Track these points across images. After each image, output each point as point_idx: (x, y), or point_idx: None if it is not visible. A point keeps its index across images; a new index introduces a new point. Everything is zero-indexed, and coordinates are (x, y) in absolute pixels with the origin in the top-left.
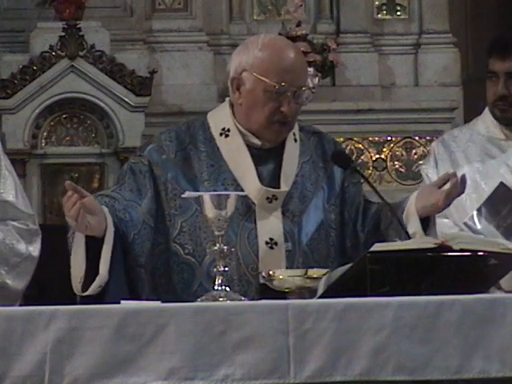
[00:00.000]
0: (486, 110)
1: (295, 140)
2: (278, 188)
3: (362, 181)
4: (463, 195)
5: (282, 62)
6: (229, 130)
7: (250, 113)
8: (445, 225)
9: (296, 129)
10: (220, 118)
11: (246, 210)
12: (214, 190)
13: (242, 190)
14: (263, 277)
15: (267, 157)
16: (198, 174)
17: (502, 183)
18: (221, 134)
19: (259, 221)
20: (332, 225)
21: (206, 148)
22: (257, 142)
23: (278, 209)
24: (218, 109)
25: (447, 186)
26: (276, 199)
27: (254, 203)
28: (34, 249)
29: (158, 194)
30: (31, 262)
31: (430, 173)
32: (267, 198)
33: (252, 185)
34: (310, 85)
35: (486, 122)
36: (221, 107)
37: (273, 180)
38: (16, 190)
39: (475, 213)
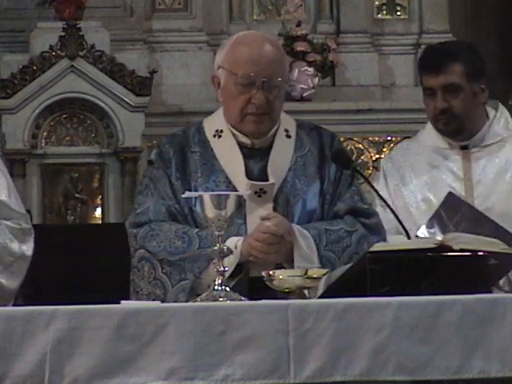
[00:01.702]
0: (429, 122)
1: (288, 136)
2: None
3: (362, 181)
4: (413, 209)
5: (249, 54)
6: (222, 131)
7: (228, 108)
8: (399, 240)
9: (292, 125)
10: (214, 121)
11: (237, 206)
12: (206, 187)
13: (234, 187)
14: (263, 277)
15: (258, 155)
16: (193, 173)
17: (450, 193)
18: (214, 136)
19: (249, 216)
20: (325, 215)
21: (200, 149)
22: (247, 141)
23: (268, 203)
24: (213, 114)
25: None
26: (265, 193)
27: (244, 199)
28: (28, 248)
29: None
30: (24, 261)
31: (380, 190)
32: (256, 193)
33: (241, 180)
34: (311, 84)
35: (430, 134)
36: (215, 112)
37: (263, 177)
38: (9, 189)
39: (424, 225)
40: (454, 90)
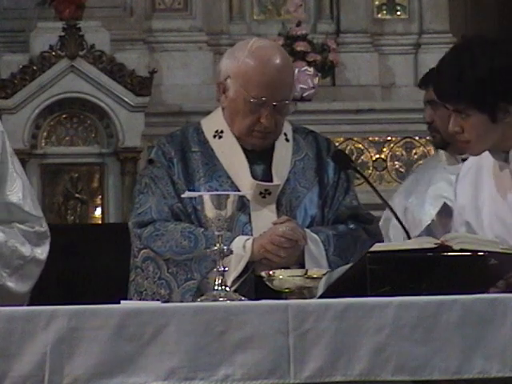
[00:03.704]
0: None
1: (287, 140)
2: None
3: (362, 181)
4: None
5: (263, 76)
6: (222, 132)
7: (233, 119)
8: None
9: (289, 129)
10: (213, 121)
11: (241, 205)
12: (209, 186)
13: (237, 187)
14: (263, 277)
15: (259, 158)
16: (195, 172)
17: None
18: (214, 136)
19: (254, 216)
20: (325, 219)
21: (200, 149)
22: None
23: (272, 203)
24: (210, 115)
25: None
26: (269, 194)
27: (248, 199)
28: (42, 251)
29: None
30: (36, 264)
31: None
32: (260, 193)
33: (245, 181)
34: (311, 84)
35: None
36: (213, 112)
37: (265, 178)
38: (24, 191)
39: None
40: None
